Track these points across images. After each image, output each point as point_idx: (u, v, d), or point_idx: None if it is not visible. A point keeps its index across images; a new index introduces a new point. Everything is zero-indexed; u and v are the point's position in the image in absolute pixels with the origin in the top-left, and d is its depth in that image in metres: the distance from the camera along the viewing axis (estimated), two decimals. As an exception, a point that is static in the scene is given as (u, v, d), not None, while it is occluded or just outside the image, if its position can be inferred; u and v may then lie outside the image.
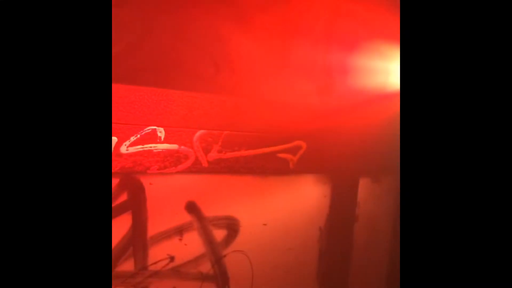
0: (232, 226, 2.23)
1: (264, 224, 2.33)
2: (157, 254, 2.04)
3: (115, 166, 1.86)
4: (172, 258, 2.09)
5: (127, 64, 1.90)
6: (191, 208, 2.10)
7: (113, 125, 1.83)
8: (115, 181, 1.90)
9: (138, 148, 1.91)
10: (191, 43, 2.08)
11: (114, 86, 1.82)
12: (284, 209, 2.38)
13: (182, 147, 2.01)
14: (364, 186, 2.67)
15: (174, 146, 1.99)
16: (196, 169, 2.06)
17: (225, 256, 2.23)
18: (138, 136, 1.90)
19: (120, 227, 1.94)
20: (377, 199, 2.75)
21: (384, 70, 2.18)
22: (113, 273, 1.95)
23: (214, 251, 2.19)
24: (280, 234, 2.39)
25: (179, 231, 2.08)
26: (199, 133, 2.05)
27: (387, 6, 2.15)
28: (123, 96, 1.87)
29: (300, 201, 2.44)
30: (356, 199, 2.64)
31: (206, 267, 2.18)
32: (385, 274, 2.85)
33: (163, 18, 1.93)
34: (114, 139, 1.85)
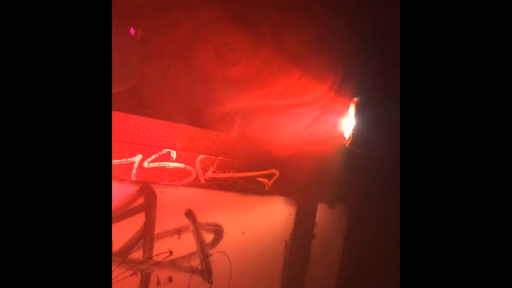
0: (218, 232, 2.86)
1: (243, 233, 2.96)
2: (160, 248, 2.63)
3: (138, 176, 2.50)
4: (171, 252, 2.67)
5: (153, 103, 2.60)
6: (189, 214, 2.72)
7: (140, 145, 2.50)
8: (136, 188, 2.52)
9: (156, 164, 2.55)
10: (196, 93, 2.79)
11: (141, 118, 2.51)
12: (259, 222, 3.03)
13: (188, 166, 2.67)
14: (321, 210, 3.37)
15: (181, 165, 2.64)
16: (196, 184, 2.71)
17: (211, 255, 2.84)
18: (157, 155, 2.55)
19: (136, 223, 2.53)
20: (331, 221, 3.46)
21: (339, 123, 2.92)
22: (126, 260, 2.52)
23: (203, 250, 2.80)
24: (254, 242, 3.02)
25: (178, 231, 2.69)
26: (200, 157, 2.72)
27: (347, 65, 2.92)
28: (147, 125, 2.53)
29: (272, 217, 3.10)
30: (314, 220, 3.33)
31: (196, 262, 2.77)
32: (335, 283, 3.51)
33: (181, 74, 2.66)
34: (140, 156, 2.50)
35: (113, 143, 2.38)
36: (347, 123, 2.68)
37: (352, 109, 2.60)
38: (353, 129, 2.53)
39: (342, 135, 2.76)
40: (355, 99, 2.59)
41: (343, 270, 3.50)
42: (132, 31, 2.77)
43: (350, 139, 2.57)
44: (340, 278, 3.50)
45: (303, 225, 3.25)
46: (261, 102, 2.94)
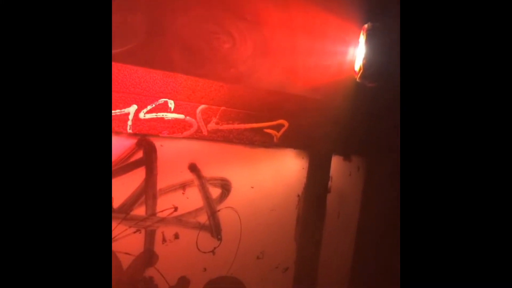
0: (225, 186, 2.71)
1: (252, 187, 2.81)
2: (164, 204, 2.50)
3: (135, 128, 2.35)
4: (176, 208, 2.55)
5: (147, 52, 2.41)
6: (193, 168, 2.58)
7: (134, 96, 2.33)
8: (133, 141, 2.37)
9: (153, 115, 2.39)
10: (197, 40, 2.58)
11: (137, 68, 2.33)
12: (269, 176, 2.87)
13: (188, 117, 2.50)
14: (336, 163, 3.17)
15: (181, 116, 2.48)
16: (198, 136, 2.55)
17: (219, 210, 2.70)
18: (153, 105, 2.39)
19: (136, 179, 2.41)
20: (347, 175, 3.26)
21: (350, 55, 2.62)
22: (128, 216, 2.42)
23: (210, 206, 2.67)
24: (264, 197, 2.86)
25: (183, 186, 2.56)
26: (201, 107, 2.54)
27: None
28: (143, 75, 2.36)
29: (282, 170, 2.93)
30: (329, 173, 3.13)
31: (203, 218, 2.65)
32: (354, 240, 3.35)
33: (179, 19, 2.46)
34: (135, 107, 2.34)
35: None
36: (358, 54, 2.41)
37: (362, 37, 2.34)
38: (364, 59, 2.28)
39: (353, 69, 2.51)
40: (366, 25, 2.31)
41: (362, 226, 3.32)
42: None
43: (361, 71, 2.32)
44: (359, 235, 3.33)
45: (316, 179, 3.07)
46: (266, 44, 2.71)
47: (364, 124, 3.11)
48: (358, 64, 2.40)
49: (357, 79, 2.43)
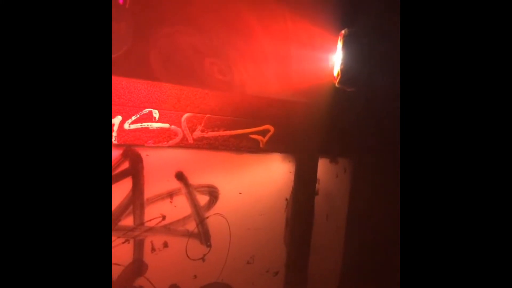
0: (213, 193, 2.72)
1: (240, 193, 2.83)
2: (152, 213, 2.51)
3: (120, 139, 2.35)
4: (164, 217, 2.56)
5: (130, 63, 2.42)
6: (180, 176, 2.59)
7: (118, 106, 2.34)
8: (119, 151, 2.38)
9: (138, 125, 2.40)
10: (181, 50, 2.60)
11: (121, 79, 2.34)
12: (256, 181, 2.89)
13: (173, 126, 2.51)
14: (323, 166, 3.20)
15: (166, 125, 2.49)
16: (183, 144, 2.56)
17: (207, 217, 2.72)
18: (138, 116, 2.40)
19: (123, 189, 2.41)
20: (334, 177, 3.29)
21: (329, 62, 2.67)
22: (116, 227, 2.42)
23: (198, 213, 2.68)
24: (253, 202, 2.88)
25: (170, 195, 2.57)
26: (186, 115, 2.55)
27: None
28: (127, 86, 2.36)
29: (269, 175, 2.95)
30: (316, 176, 3.16)
31: (191, 226, 2.66)
32: (343, 241, 3.38)
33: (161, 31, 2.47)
34: (119, 118, 2.34)
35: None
36: (336, 60, 2.45)
37: (340, 43, 2.37)
38: (341, 65, 2.31)
39: (332, 74, 2.54)
40: (343, 31, 2.35)
41: (351, 226, 3.36)
42: (120, 0, 2.60)
43: (339, 77, 2.35)
44: (348, 236, 3.37)
45: (304, 182, 3.09)
46: (250, 52, 2.73)
47: (348, 126, 3.15)
48: (337, 69, 2.44)
49: (336, 85, 2.46)
